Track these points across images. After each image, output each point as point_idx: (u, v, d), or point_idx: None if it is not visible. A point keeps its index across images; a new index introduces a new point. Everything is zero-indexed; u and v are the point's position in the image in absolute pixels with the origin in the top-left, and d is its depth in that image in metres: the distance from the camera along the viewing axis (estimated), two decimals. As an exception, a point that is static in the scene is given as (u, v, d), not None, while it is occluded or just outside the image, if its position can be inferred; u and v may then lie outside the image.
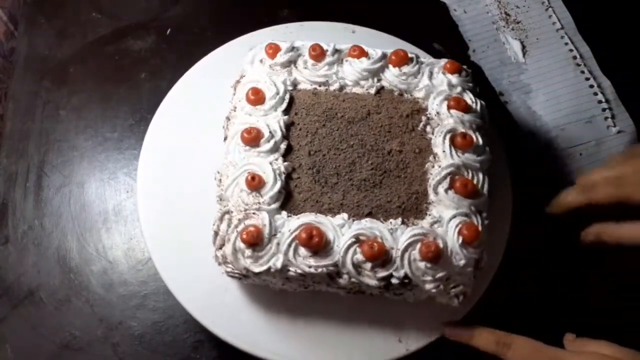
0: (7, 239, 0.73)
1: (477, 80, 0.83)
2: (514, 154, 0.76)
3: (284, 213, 0.59)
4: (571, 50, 0.87)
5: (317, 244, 0.56)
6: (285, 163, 0.61)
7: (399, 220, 0.59)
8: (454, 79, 0.67)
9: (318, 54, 0.67)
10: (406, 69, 0.67)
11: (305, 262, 0.56)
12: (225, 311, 0.64)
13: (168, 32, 0.88)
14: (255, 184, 0.58)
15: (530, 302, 0.71)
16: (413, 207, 0.61)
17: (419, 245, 0.56)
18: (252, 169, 0.60)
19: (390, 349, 0.63)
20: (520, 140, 0.81)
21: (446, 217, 0.59)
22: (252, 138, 0.61)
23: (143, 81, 0.84)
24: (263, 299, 0.64)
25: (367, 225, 0.58)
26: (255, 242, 0.56)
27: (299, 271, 0.57)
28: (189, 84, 0.76)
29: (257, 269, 0.57)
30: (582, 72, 0.85)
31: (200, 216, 0.67)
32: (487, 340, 0.59)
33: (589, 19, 0.89)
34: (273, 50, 0.67)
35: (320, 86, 0.67)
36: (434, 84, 0.67)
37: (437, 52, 0.85)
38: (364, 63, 0.67)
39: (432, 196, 0.61)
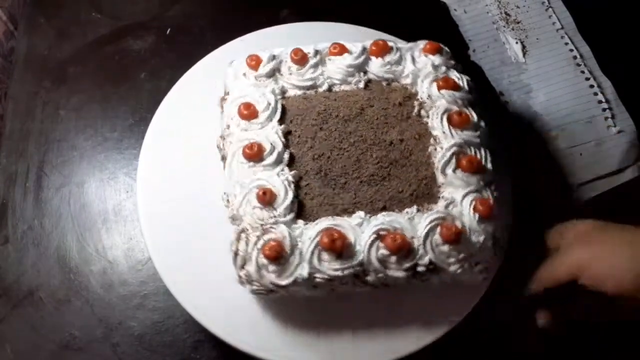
0: (7, 239, 0.73)
1: (477, 80, 0.83)
2: (514, 154, 0.76)
3: (301, 222, 0.59)
4: (571, 50, 0.87)
5: (340, 246, 0.56)
6: (293, 172, 0.61)
7: (414, 208, 0.60)
8: (437, 59, 0.68)
9: (300, 58, 0.67)
10: (389, 57, 0.68)
11: (331, 267, 0.57)
12: (224, 311, 0.63)
13: (168, 32, 0.88)
14: (267, 198, 0.58)
15: (530, 301, 0.71)
16: (425, 192, 0.61)
17: (439, 229, 0.57)
18: (262, 184, 0.59)
19: (389, 347, 0.63)
20: (521, 140, 0.81)
21: (458, 197, 0.60)
22: (255, 153, 0.60)
23: (143, 81, 0.84)
24: (263, 299, 0.64)
25: (385, 220, 0.58)
26: (278, 255, 0.56)
27: (325, 277, 0.57)
28: (189, 84, 0.76)
29: (283, 282, 0.57)
30: (582, 72, 0.85)
31: (201, 216, 0.67)
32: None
33: (589, 19, 0.89)
34: (255, 61, 0.67)
35: (308, 90, 0.67)
36: (419, 68, 0.68)
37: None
38: (347, 59, 0.67)
39: (441, 179, 0.61)
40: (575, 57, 0.86)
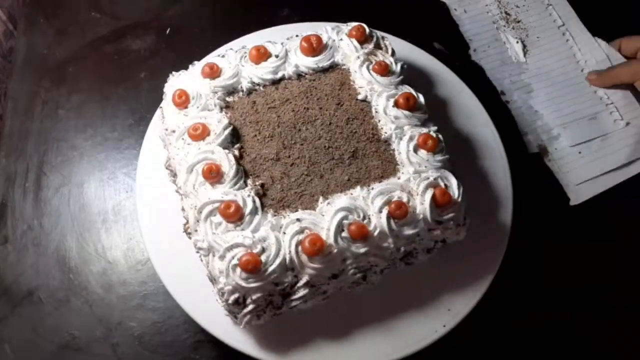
0: (7, 239, 0.72)
1: (478, 80, 0.83)
2: (515, 154, 0.75)
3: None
4: (572, 48, 0.87)
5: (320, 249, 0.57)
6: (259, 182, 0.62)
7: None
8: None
9: (214, 70, 0.67)
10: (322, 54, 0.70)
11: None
12: (223, 311, 0.63)
13: (168, 31, 0.88)
14: (233, 214, 0.58)
15: (530, 300, 0.71)
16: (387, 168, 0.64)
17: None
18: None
19: (387, 348, 0.63)
20: (522, 139, 0.81)
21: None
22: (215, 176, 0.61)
23: (143, 81, 0.84)
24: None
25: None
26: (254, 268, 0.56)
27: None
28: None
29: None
30: (583, 69, 0.85)
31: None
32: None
33: (589, 18, 0.89)
34: (184, 96, 0.65)
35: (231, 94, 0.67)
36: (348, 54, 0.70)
37: (438, 52, 0.85)
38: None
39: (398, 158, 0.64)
40: (576, 55, 0.86)
